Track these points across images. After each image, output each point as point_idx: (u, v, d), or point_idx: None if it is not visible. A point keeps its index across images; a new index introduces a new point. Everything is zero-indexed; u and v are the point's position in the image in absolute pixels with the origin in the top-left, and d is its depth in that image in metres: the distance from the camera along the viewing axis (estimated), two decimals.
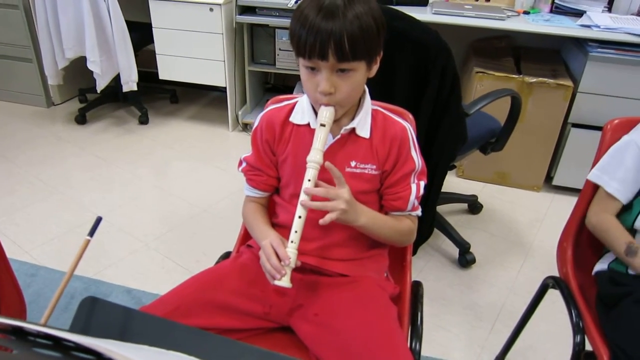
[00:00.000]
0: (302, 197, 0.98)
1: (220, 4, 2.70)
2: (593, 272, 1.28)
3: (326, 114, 0.99)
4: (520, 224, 2.38)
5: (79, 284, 1.92)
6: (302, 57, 0.97)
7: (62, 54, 2.84)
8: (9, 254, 2.10)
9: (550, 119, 2.45)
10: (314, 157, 0.98)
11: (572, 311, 1.22)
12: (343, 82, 0.98)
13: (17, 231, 2.22)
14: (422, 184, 1.12)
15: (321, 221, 0.96)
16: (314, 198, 0.98)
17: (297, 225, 0.98)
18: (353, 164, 1.09)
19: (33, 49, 3.16)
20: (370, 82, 1.07)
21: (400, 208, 1.12)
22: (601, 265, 1.25)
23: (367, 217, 1.05)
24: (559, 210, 2.48)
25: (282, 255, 0.97)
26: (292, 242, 0.98)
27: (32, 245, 2.14)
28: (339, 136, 1.08)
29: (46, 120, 3.25)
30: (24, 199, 2.45)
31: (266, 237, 1.04)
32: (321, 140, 0.99)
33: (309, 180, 0.98)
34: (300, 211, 0.98)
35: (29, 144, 2.94)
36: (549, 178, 2.62)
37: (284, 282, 0.96)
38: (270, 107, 1.18)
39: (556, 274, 1.37)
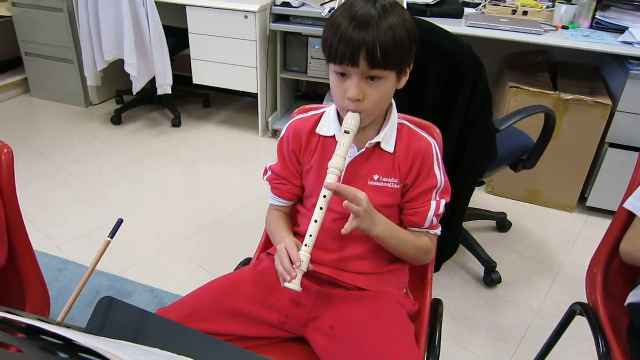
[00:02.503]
0: (321, 201, 0.97)
1: (255, 12, 2.73)
2: (626, 303, 1.23)
3: (351, 121, 0.99)
4: (551, 244, 2.31)
5: (105, 280, 1.96)
6: (333, 62, 0.97)
7: (102, 57, 2.92)
8: (41, 247, 2.16)
9: (586, 138, 2.37)
10: (336, 164, 0.98)
11: (600, 341, 1.17)
12: (372, 89, 0.97)
13: (50, 226, 2.28)
14: (444, 202, 1.10)
15: (343, 231, 0.96)
16: (331, 205, 0.98)
17: (313, 229, 0.98)
18: (376, 177, 1.08)
19: (74, 50, 3.27)
20: (399, 94, 1.06)
21: (418, 224, 1.10)
22: (635, 297, 1.20)
23: (385, 228, 1.04)
24: (592, 232, 2.40)
25: (294, 257, 0.97)
26: (306, 245, 0.98)
27: (63, 240, 2.20)
28: (363, 150, 1.07)
29: (84, 120, 3.34)
30: (58, 195, 2.52)
31: (283, 241, 1.03)
32: (344, 147, 0.99)
33: None
34: (316, 215, 0.97)
35: (67, 143, 3.04)
36: (583, 199, 2.54)
37: (294, 284, 0.95)
38: (297, 117, 1.18)
39: (585, 300, 1.32)
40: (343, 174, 1.01)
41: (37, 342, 0.53)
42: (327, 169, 0.98)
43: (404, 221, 1.12)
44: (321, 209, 0.98)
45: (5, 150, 1.11)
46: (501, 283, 2.03)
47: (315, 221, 0.98)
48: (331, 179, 0.97)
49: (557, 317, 1.44)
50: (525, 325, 1.85)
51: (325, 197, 0.97)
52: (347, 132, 0.99)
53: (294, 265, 0.96)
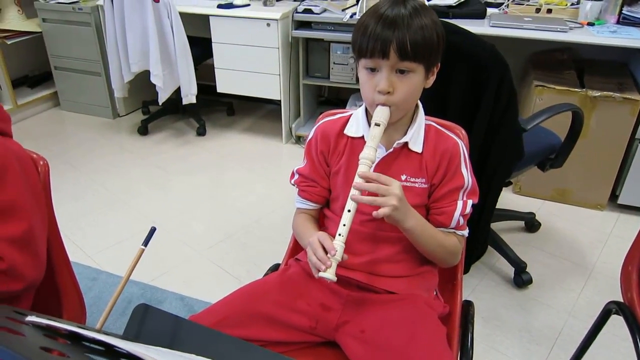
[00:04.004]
0: (353, 192, 0.97)
1: (277, 19, 2.76)
2: None
3: (381, 114, 1.00)
4: (582, 244, 2.27)
5: (136, 289, 2.00)
6: (364, 56, 0.99)
7: (128, 68, 2.99)
8: (74, 258, 2.20)
9: (615, 135, 2.32)
10: (367, 154, 0.98)
11: (638, 340, 1.14)
12: (401, 82, 0.98)
13: (82, 236, 2.34)
14: (470, 202, 1.10)
15: (374, 213, 0.95)
16: (360, 207, 0.98)
17: (346, 218, 0.97)
18: (404, 177, 1.08)
19: (102, 64, 3.35)
20: (424, 96, 1.07)
21: (444, 223, 1.09)
22: None
23: (416, 222, 1.03)
24: (624, 230, 2.35)
25: (328, 246, 0.96)
26: (339, 234, 0.97)
27: (94, 250, 2.25)
28: (391, 150, 1.08)
29: (112, 131, 3.42)
30: (88, 206, 2.58)
31: (314, 236, 1.02)
32: (375, 139, 0.99)
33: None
34: (349, 205, 0.97)
35: (95, 153, 3.11)
36: (614, 196, 2.49)
37: (329, 274, 0.94)
38: (324, 119, 1.19)
39: (620, 299, 1.29)
40: (373, 167, 1.01)
41: (81, 348, 0.55)
42: (358, 160, 0.98)
43: (430, 221, 1.11)
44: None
45: (42, 163, 1.14)
46: (532, 284, 2.00)
47: (349, 210, 0.97)
48: (363, 169, 0.97)
49: (592, 317, 1.41)
50: (558, 326, 1.82)
51: (356, 188, 0.96)
52: (377, 125, 1.00)
53: (329, 255, 0.95)
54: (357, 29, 0.99)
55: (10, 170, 0.99)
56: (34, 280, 1.04)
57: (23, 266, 0.99)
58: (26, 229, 1.00)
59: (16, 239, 0.98)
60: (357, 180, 0.97)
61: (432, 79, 1.04)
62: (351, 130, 1.12)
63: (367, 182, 0.96)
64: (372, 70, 0.99)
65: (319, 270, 0.95)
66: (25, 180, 1.04)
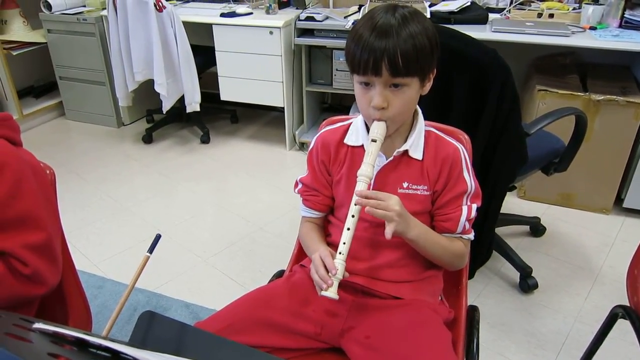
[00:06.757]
0: (353, 209, 0.98)
1: (279, 27, 2.78)
2: None
3: (377, 130, 1.00)
4: (587, 248, 2.26)
5: (142, 297, 2.00)
6: (357, 73, 0.99)
7: (132, 77, 3.01)
8: (80, 266, 2.21)
9: (619, 138, 2.32)
10: (365, 172, 0.99)
11: None
12: (396, 97, 0.98)
13: (87, 244, 2.35)
14: (475, 206, 1.10)
15: (387, 236, 0.96)
16: (362, 214, 0.99)
17: (346, 237, 0.99)
18: (405, 185, 1.08)
19: (106, 73, 3.37)
20: (427, 102, 1.07)
21: (450, 229, 1.10)
22: None
23: (419, 231, 1.04)
24: (630, 234, 2.34)
25: (329, 265, 0.98)
26: (340, 253, 0.99)
27: (100, 258, 2.25)
28: (391, 158, 1.08)
29: (116, 140, 3.44)
30: (94, 214, 2.59)
31: (317, 251, 1.04)
32: (372, 155, 1.00)
33: None
34: (349, 223, 0.99)
35: (100, 162, 3.12)
36: (619, 200, 2.48)
37: (330, 292, 0.96)
38: (325, 128, 1.20)
39: (627, 302, 1.28)
40: (372, 182, 1.02)
41: (87, 355, 0.55)
42: (357, 177, 0.99)
43: (436, 227, 1.12)
44: (353, 216, 0.99)
45: (48, 172, 1.15)
46: (537, 288, 1.99)
47: (348, 229, 0.99)
48: (361, 186, 0.99)
49: (598, 322, 1.40)
50: (564, 331, 1.81)
51: (356, 205, 0.98)
52: (374, 141, 1.00)
53: (330, 273, 0.97)
54: (351, 38, 0.99)
55: (25, 180, 1.02)
56: (54, 285, 1.07)
57: (45, 272, 1.02)
58: (46, 237, 1.03)
59: (37, 246, 1.01)
60: (355, 198, 0.98)
61: (428, 85, 1.03)
62: (351, 139, 1.13)
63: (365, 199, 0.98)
64: (367, 84, 1.00)
65: (321, 289, 0.97)
66: (40, 188, 1.05)
